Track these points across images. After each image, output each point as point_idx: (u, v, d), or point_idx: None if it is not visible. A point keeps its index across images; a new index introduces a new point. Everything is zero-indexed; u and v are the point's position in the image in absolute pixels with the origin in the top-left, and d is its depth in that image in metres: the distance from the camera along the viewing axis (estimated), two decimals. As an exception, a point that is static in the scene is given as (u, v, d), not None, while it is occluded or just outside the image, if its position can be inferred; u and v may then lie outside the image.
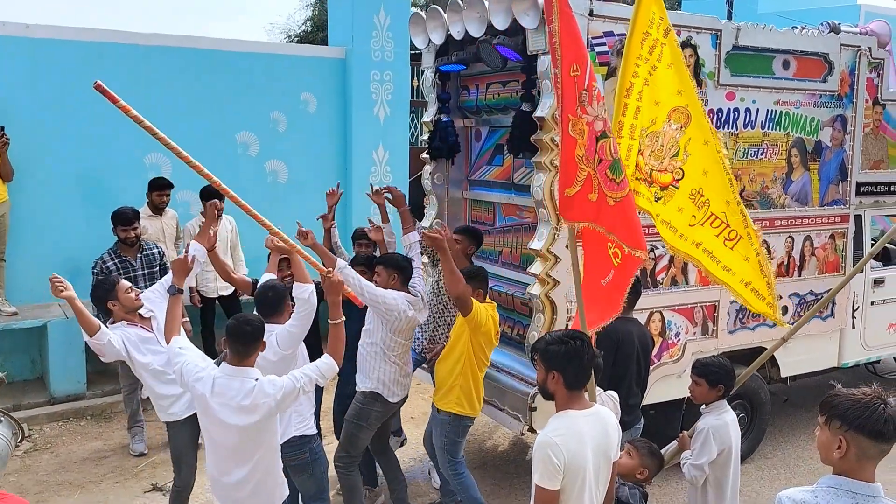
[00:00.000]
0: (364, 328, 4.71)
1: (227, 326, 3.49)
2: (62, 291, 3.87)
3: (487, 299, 4.68)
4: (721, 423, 3.81)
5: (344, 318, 3.74)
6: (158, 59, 7.52)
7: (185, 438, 4.41)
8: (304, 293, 4.01)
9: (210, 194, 6.88)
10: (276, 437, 3.63)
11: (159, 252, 6.16)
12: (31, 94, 6.96)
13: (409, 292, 4.63)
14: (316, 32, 20.14)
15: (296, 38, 21.55)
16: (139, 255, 5.92)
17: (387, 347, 4.58)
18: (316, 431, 4.30)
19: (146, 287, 5.86)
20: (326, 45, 9.17)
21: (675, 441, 4.06)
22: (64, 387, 6.74)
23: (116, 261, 5.83)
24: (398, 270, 4.61)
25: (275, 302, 4.12)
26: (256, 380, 3.42)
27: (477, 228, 5.57)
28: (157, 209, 6.81)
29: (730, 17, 13.59)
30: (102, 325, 4.14)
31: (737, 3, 14.84)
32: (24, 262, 7.02)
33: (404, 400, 4.88)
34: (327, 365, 3.59)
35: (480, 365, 4.60)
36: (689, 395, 4.02)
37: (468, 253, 5.23)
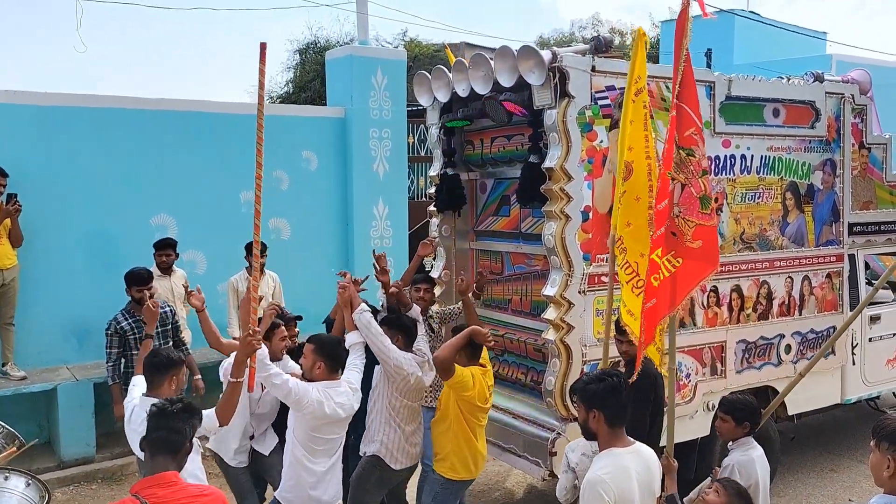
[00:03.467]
0: (370, 389, 4.61)
1: (143, 358, 3.98)
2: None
3: (486, 361, 4.61)
4: (747, 458, 3.90)
5: (243, 380, 3.74)
6: (165, 123, 7.69)
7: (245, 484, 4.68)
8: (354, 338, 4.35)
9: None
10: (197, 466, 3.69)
11: (171, 311, 6.22)
12: (41, 160, 7.08)
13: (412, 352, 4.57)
14: (298, 93, 20.50)
15: (278, 100, 21.88)
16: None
17: (392, 409, 4.47)
18: None
19: (160, 345, 5.94)
20: (308, 104, 9.40)
21: (708, 479, 4.13)
22: (73, 450, 6.69)
23: (131, 321, 5.87)
24: (402, 332, 4.54)
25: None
26: None
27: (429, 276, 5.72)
28: (164, 269, 6.90)
29: (708, 69, 14.07)
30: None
31: (713, 55, 15.40)
32: (32, 326, 7.03)
33: (411, 469, 4.73)
34: (208, 419, 3.62)
35: (474, 428, 4.48)
36: (717, 431, 4.12)
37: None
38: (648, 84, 5.22)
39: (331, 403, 4.00)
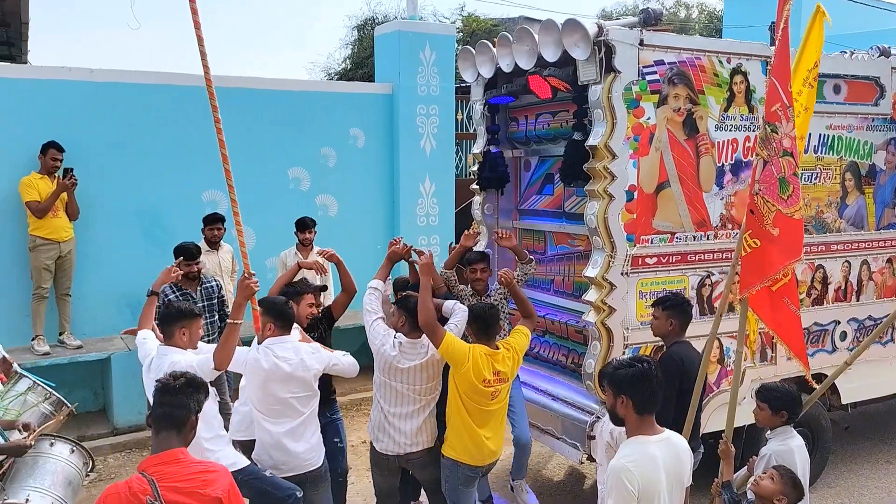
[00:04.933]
0: None
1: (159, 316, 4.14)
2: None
3: (503, 346, 4.37)
4: (785, 448, 3.77)
5: (241, 322, 3.83)
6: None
7: None
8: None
9: (303, 225, 7.19)
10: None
11: (217, 285, 6.33)
12: (95, 135, 7.26)
13: (415, 335, 4.38)
14: (355, 70, 20.58)
15: (335, 76, 22.02)
16: (199, 289, 6.10)
17: (375, 384, 4.46)
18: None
19: (206, 319, 6.06)
20: (366, 81, 9.39)
21: (744, 468, 4.02)
22: (126, 418, 6.91)
23: (178, 293, 5.99)
24: (408, 313, 4.39)
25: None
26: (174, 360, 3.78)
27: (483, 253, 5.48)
28: (212, 244, 7.02)
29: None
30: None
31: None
32: (88, 297, 7.26)
33: (409, 460, 4.48)
34: (203, 361, 3.77)
35: (473, 412, 4.25)
36: (755, 419, 3.99)
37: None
38: (699, 58, 5.09)
39: (270, 358, 4.04)
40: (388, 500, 4.79)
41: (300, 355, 4.16)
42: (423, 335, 4.30)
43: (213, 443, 3.99)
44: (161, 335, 4.11)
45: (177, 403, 2.86)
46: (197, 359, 3.82)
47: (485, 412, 4.28)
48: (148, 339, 4.20)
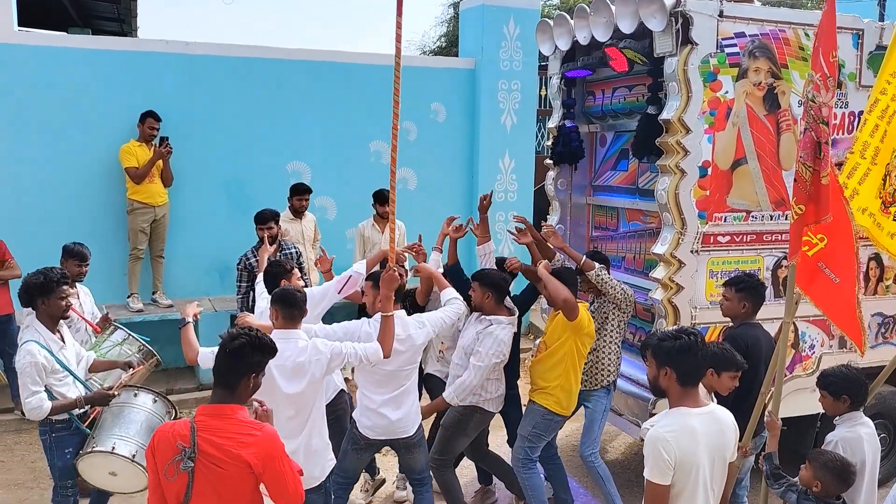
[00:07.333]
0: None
1: (276, 294, 3.95)
2: None
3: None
4: (853, 435, 3.61)
5: (392, 314, 3.99)
6: (301, 72, 8.01)
7: None
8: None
9: (381, 198, 7.34)
10: (323, 403, 4.00)
11: (297, 252, 6.57)
12: (189, 106, 7.62)
13: (504, 311, 4.70)
14: (450, 48, 20.57)
15: (430, 54, 22.07)
16: (279, 254, 6.34)
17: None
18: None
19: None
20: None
21: None
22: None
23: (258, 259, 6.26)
24: (492, 288, 4.62)
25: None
26: (308, 340, 3.82)
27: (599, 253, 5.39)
28: (297, 213, 7.27)
29: (881, 18, 12.75)
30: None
31: (890, 3, 13.89)
32: (179, 259, 7.67)
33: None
34: (373, 349, 3.92)
35: (581, 363, 4.76)
36: (823, 409, 3.86)
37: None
38: (784, 31, 4.88)
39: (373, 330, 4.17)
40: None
41: (409, 330, 4.27)
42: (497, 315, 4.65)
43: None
44: (280, 318, 3.87)
45: (231, 368, 2.79)
46: (362, 346, 3.95)
47: (584, 360, 4.79)
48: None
